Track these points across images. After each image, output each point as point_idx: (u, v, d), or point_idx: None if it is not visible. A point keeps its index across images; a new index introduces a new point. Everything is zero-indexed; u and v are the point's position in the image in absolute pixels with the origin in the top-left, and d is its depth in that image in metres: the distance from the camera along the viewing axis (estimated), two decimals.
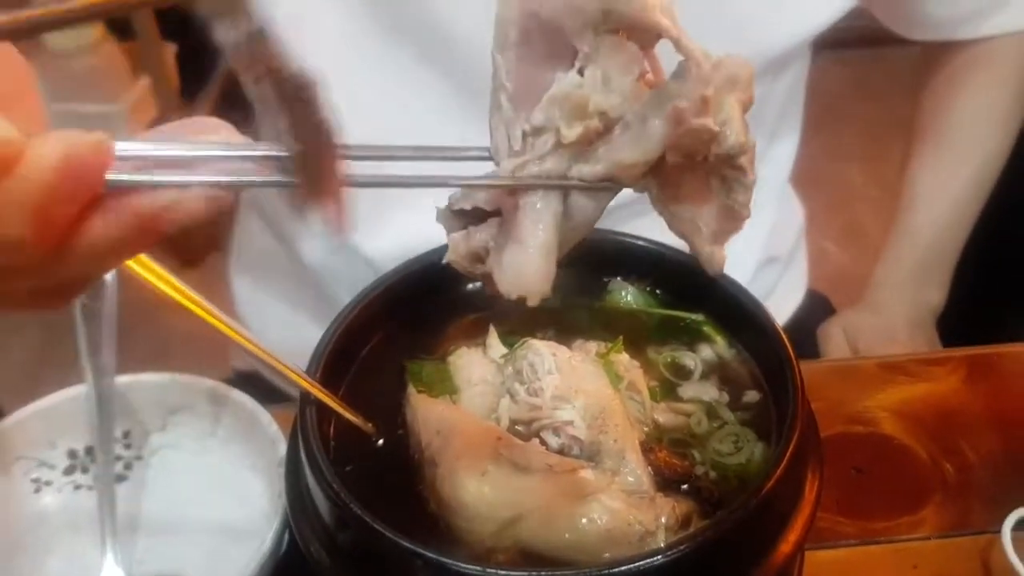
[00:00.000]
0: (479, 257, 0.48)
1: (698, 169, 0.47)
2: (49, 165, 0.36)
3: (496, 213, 0.48)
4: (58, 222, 0.37)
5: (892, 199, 1.12)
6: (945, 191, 1.08)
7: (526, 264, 0.46)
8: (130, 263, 0.50)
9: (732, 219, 0.50)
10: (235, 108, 0.75)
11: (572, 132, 0.45)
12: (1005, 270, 1.20)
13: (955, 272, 1.07)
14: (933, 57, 1.08)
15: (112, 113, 2.42)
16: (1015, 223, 1.15)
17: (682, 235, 0.51)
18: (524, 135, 0.46)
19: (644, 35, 0.46)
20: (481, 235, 0.48)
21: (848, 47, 2.89)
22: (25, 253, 0.37)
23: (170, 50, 2.49)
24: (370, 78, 0.86)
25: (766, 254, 1.05)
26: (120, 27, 2.42)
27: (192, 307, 0.53)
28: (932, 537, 0.66)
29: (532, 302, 0.46)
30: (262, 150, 0.39)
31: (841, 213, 2.51)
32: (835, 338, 1.04)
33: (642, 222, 0.76)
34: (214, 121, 0.41)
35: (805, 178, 1.14)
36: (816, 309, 1.14)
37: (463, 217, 0.49)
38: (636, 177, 0.46)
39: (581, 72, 0.45)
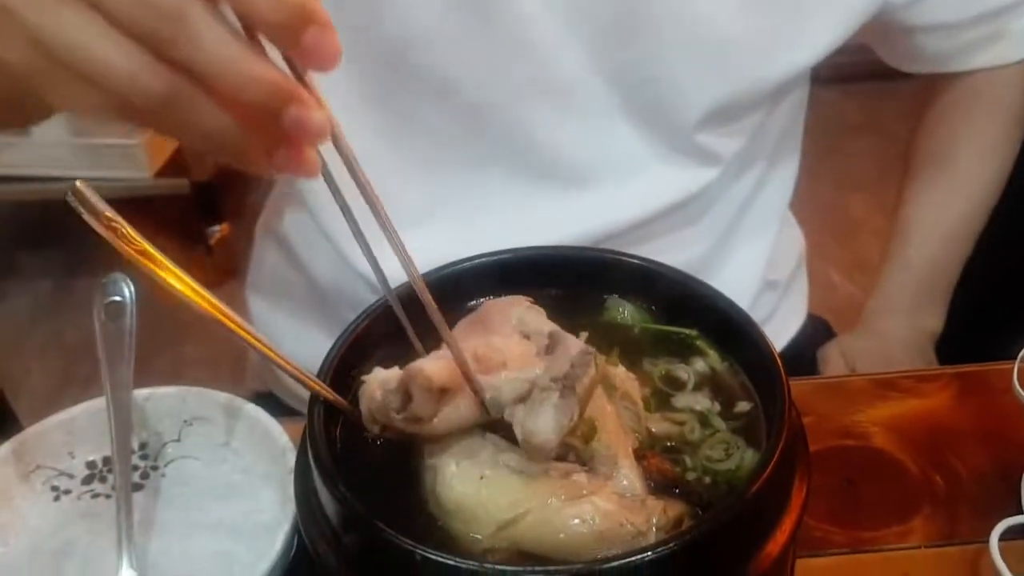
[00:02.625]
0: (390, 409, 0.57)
1: None
2: None
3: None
4: None
5: (889, 243, 1.14)
6: (939, 222, 1.10)
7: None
8: (157, 270, 0.53)
9: None
10: None
11: None
12: (1001, 291, 1.22)
13: (953, 295, 1.09)
14: (929, 89, 1.10)
15: (133, 146, 2.48)
16: (1013, 245, 1.17)
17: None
18: None
19: None
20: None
21: (855, 81, 2.93)
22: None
23: None
24: (368, 121, 0.89)
25: (766, 278, 1.07)
26: None
27: (213, 311, 0.55)
28: (922, 546, 0.68)
29: None
30: None
31: (847, 244, 2.53)
32: (833, 361, 1.06)
33: (643, 248, 0.78)
34: None
35: (812, 209, 1.17)
36: (817, 333, 1.16)
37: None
38: None
39: None
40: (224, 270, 2.32)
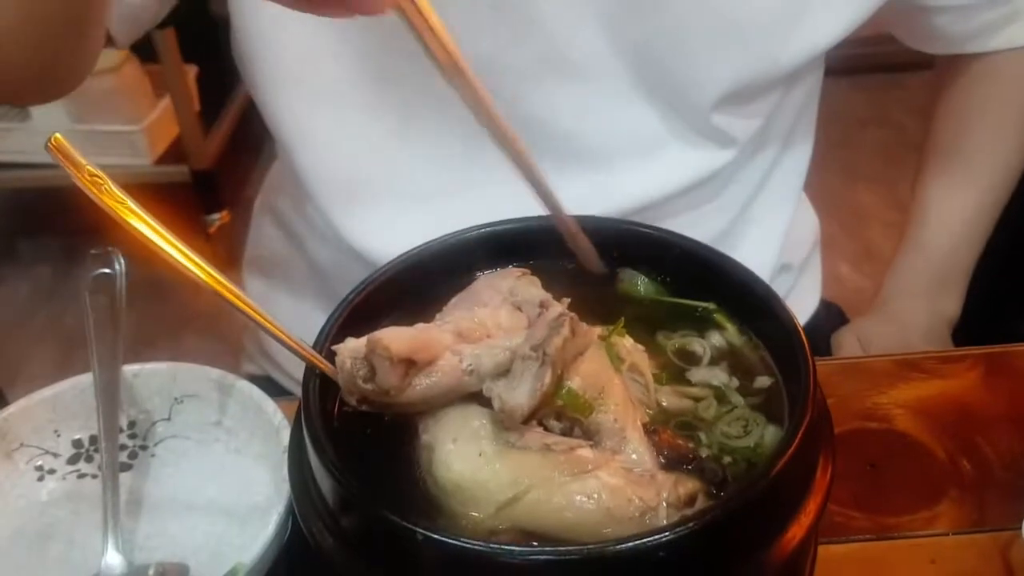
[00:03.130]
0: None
1: None
2: None
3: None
4: None
5: (906, 226, 1.11)
6: (957, 205, 1.07)
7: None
8: (142, 228, 0.50)
9: None
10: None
11: None
12: (1019, 276, 1.19)
13: (970, 279, 1.06)
14: (945, 72, 1.07)
15: (133, 133, 2.45)
16: None
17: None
18: None
19: None
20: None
21: (865, 73, 2.91)
22: None
23: (191, 72, 2.52)
24: (377, 100, 0.87)
25: (780, 261, 1.05)
26: (142, 49, 2.45)
27: (202, 273, 0.52)
28: (950, 533, 0.65)
29: None
30: None
31: (856, 236, 2.50)
32: (848, 345, 1.03)
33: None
34: None
35: (820, 200, 1.14)
36: (830, 318, 1.13)
37: None
38: None
39: None
40: (224, 258, 2.29)
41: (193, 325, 2.32)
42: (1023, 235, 1.15)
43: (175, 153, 2.54)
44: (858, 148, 2.82)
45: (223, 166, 2.59)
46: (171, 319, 2.27)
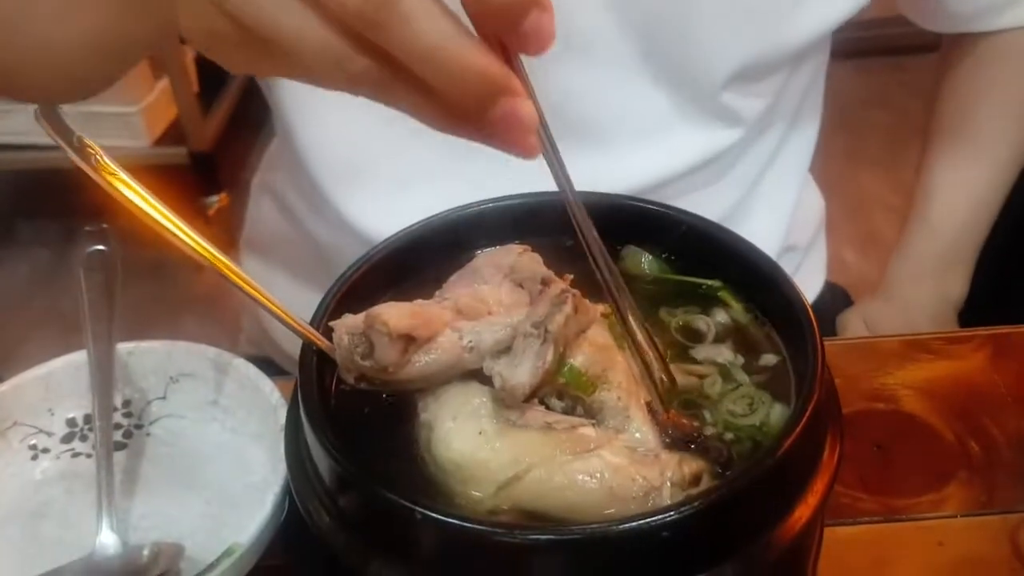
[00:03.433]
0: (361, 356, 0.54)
1: None
2: None
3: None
4: None
5: (911, 207, 1.10)
6: (963, 185, 1.06)
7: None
8: (134, 200, 0.48)
9: None
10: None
11: None
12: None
13: (977, 261, 1.05)
14: (951, 51, 1.06)
15: (131, 114, 2.43)
16: None
17: None
18: None
19: None
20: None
21: (868, 56, 2.88)
22: None
23: (190, 53, 2.50)
24: (366, 101, 0.86)
25: (786, 242, 1.04)
26: None
27: (196, 245, 0.51)
28: (958, 515, 0.64)
29: None
30: None
31: (859, 220, 2.49)
32: (854, 327, 1.02)
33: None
34: None
35: (823, 184, 1.13)
36: (835, 300, 1.12)
37: None
38: None
39: None
40: (223, 240, 2.27)
41: (190, 308, 2.30)
42: None
43: (173, 135, 2.53)
44: (861, 132, 2.80)
45: (222, 148, 2.57)
46: (168, 302, 2.26)
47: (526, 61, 0.83)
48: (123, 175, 0.50)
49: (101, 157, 0.49)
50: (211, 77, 2.58)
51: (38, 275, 2.50)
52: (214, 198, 2.54)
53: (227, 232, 2.37)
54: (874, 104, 2.94)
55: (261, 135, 2.49)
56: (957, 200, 1.06)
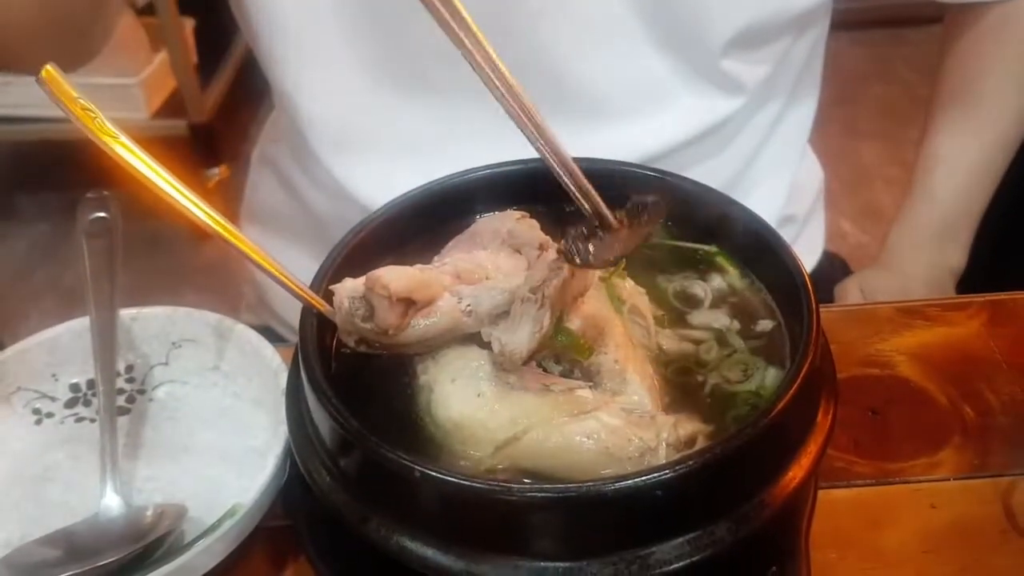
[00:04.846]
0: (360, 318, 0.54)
1: None
2: None
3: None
4: None
5: (910, 178, 1.10)
6: (966, 153, 1.06)
7: None
8: (147, 168, 0.49)
9: None
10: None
11: None
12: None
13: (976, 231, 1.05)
14: (956, 22, 1.06)
15: (130, 86, 2.43)
16: None
17: None
18: None
19: None
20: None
21: (868, 27, 2.87)
22: None
23: (188, 25, 2.49)
24: (380, 49, 0.86)
25: (785, 212, 1.04)
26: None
27: (194, 206, 0.52)
28: (951, 478, 0.64)
29: None
30: None
31: (858, 192, 2.49)
32: (852, 296, 1.02)
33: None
34: None
35: (821, 157, 1.13)
36: (833, 269, 1.12)
37: None
38: None
39: None
40: (223, 213, 2.28)
41: (192, 279, 2.30)
42: None
43: (172, 107, 2.52)
44: (860, 104, 2.79)
45: (221, 120, 2.57)
46: (168, 273, 2.26)
47: (523, 29, 0.83)
48: (123, 138, 0.50)
49: (102, 119, 0.50)
50: (210, 49, 2.57)
51: (38, 250, 2.50)
52: (214, 170, 2.54)
53: (227, 204, 2.36)
54: (874, 76, 2.93)
55: (261, 107, 2.48)
56: (958, 170, 1.06)
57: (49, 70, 0.48)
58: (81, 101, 0.48)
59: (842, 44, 2.70)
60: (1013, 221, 1.15)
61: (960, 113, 1.06)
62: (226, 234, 0.54)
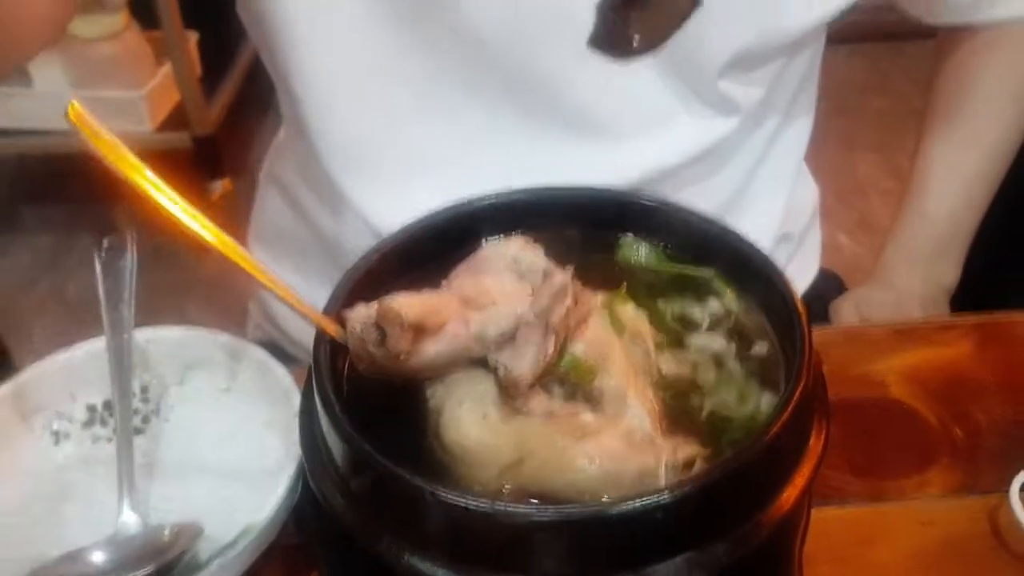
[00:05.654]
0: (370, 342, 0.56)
1: None
2: None
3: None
4: None
5: (906, 192, 1.12)
6: (959, 169, 1.08)
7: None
8: (170, 202, 0.51)
9: None
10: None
11: None
12: (1018, 245, 1.20)
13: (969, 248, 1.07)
14: (947, 42, 1.08)
15: (134, 99, 2.45)
16: None
17: None
18: None
19: None
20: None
21: (865, 40, 2.90)
22: None
23: (193, 38, 2.52)
24: (380, 65, 0.87)
25: (781, 231, 1.05)
26: (144, 15, 2.44)
27: (213, 235, 0.54)
28: (941, 496, 0.67)
29: None
30: None
31: (854, 205, 2.51)
32: (846, 314, 1.04)
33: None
34: None
35: (819, 170, 1.15)
36: (828, 287, 1.14)
37: None
38: None
39: None
40: (227, 226, 2.29)
41: (196, 293, 2.32)
42: (1022, 204, 1.15)
43: (176, 120, 2.54)
44: (856, 117, 2.82)
45: (225, 133, 2.58)
46: (175, 288, 2.28)
47: (529, 54, 0.85)
48: (144, 168, 0.52)
49: (125, 152, 0.52)
50: (214, 62, 2.59)
51: (41, 262, 2.52)
52: (217, 183, 2.56)
53: (231, 218, 2.38)
54: (871, 89, 2.96)
55: (265, 120, 2.50)
56: (951, 185, 1.08)
57: (75, 106, 0.50)
58: (104, 135, 0.50)
59: (839, 57, 2.73)
60: (1006, 236, 1.17)
61: (951, 128, 1.08)
62: (245, 264, 0.56)
